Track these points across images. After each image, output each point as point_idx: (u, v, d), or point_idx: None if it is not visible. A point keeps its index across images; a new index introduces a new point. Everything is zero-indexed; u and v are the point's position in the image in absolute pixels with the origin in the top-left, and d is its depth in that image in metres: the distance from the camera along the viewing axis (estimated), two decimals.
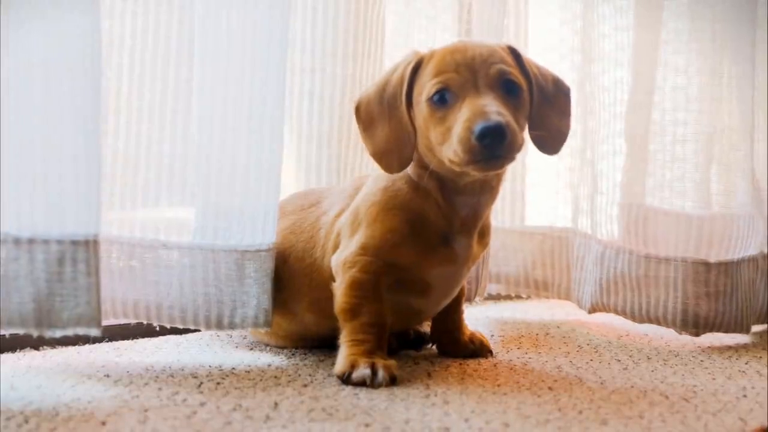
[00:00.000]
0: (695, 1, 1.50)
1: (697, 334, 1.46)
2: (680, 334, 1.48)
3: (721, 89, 1.51)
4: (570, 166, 1.66)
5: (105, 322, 1.31)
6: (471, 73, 1.09)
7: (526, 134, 1.14)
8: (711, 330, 1.46)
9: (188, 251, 1.20)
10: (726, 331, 1.47)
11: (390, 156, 1.14)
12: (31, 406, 0.97)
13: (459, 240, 1.17)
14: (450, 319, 1.29)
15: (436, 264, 1.16)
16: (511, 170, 1.67)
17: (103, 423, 0.91)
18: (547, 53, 1.69)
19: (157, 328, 1.27)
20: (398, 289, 1.17)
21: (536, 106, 1.15)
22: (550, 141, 1.17)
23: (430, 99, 1.10)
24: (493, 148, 1.03)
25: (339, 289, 1.16)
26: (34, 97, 1.02)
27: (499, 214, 1.67)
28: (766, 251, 1.56)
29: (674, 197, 1.52)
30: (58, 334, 1.03)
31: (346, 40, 1.43)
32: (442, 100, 1.09)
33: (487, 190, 1.17)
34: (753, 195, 1.53)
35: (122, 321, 1.28)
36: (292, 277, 1.23)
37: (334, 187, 1.35)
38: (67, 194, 1.03)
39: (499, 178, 1.18)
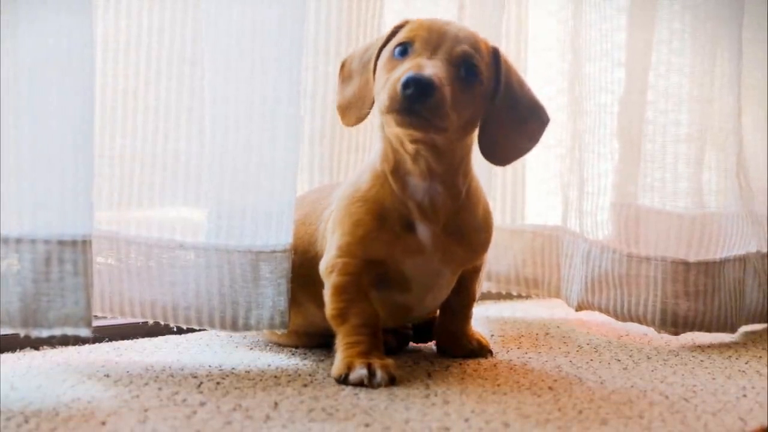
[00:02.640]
0: (687, 0, 1.50)
1: (676, 333, 1.47)
2: (659, 333, 1.48)
3: (712, 89, 1.51)
4: (561, 165, 1.66)
5: (107, 322, 1.32)
6: (438, 39, 1.10)
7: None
8: (691, 329, 1.46)
9: (204, 252, 1.20)
10: (708, 331, 1.47)
11: (350, 110, 1.18)
12: (31, 406, 0.97)
13: (420, 227, 1.16)
14: (454, 319, 1.29)
15: (406, 253, 1.16)
16: (501, 169, 1.67)
17: (103, 423, 0.91)
18: (545, 53, 1.69)
19: (175, 328, 1.27)
20: (381, 286, 1.18)
21: (498, 113, 1.15)
22: (501, 152, 1.18)
23: (393, 49, 1.12)
24: (412, 99, 1.03)
25: (326, 295, 1.16)
26: (21, 96, 1.02)
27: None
28: (764, 251, 1.56)
29: (660, 197, 1.52)
30: (45, 333, 1.03)
31: (338, 38, 1.43)
32: (403, 52, 1.11)
33: (437, 177, 1.15)
34: (741, 195, 1.53)
35: (133, 320, 1.29)
36: (299, 268, 1.24)
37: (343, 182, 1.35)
38: (55, 194, 1.03)
39: (448, 168, 1.15)
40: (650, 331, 1.53)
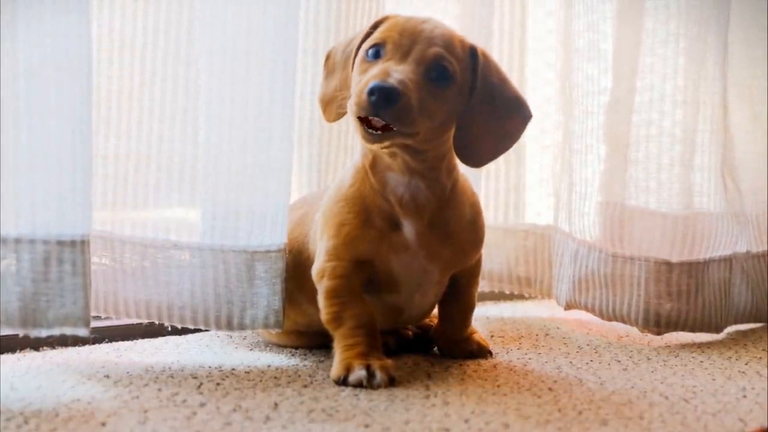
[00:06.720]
0: (677, 3, 1.50)
1: (659, 333, 1.47)
2: (642, 332, 1.49)
3: (697, 90, 1.51)
4: (554, 165, 1.66)
5: (107, 323, 1.32)
6: (410, 42, 1.10)
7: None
8: (674, 329, 1.47)
9: (198, 251, 1.20)
10: (692, 331, 1.48)
11: (331, 105, 1.18)
12: (31, 406, 0.97)
13: (405, 224, 1.16)
14: (454, 325, 1.28)
15: (392, 251, 1.15)
16: (494, 168, 1.66)
17: (103, 424, 0.91)
18: (546, 53, 1.69)
19: (170, 328, 1.27)
20: (371, 289, 1.18)
21: (474, 111, 1.14)
22: (475, 153, 1.16)
23: (366, 51, 1.12)
24: (377, 107, 1.04)
25: (320, 300, 1.16)
26: (19, 96, 1.02)
27: (484, 211, 1.65)
28: (753, 251, 1.57)
29: (645, 196, 1.52)
30: (44, 333, 1.04)
31: (327, 39, 1.43)
32: (376, 54, 1.11)
33: (417, 174, 1.15)
34: (726, 195, 1.54)
35: (132, 321, 1.29)
36: (295, 268, 1.24)
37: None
38: (54, 194, 1.04)
39: (429, 165, 1.15)
40: None
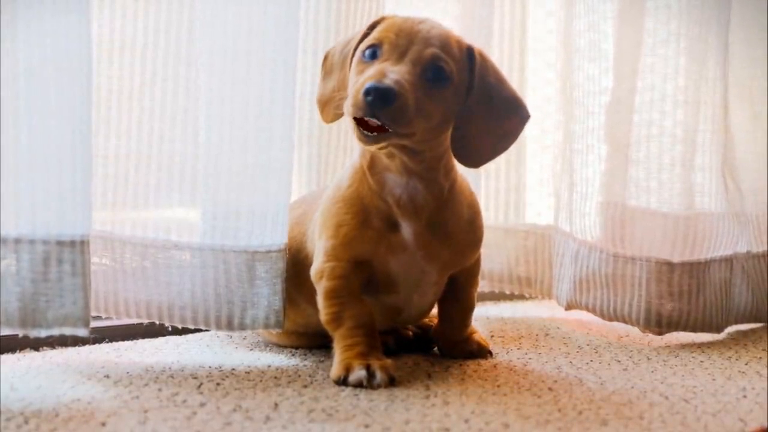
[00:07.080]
0: (678, 3, 1.50)
1: (660, 333, 1.48)
2: (643, 332, 1.49)
3: (698, 91, 1.51)
4: (554, 165, 1.66)
5: (107, 323, 1.32)
6: (407, 42, 1.10)
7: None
8: (675, 329, 1.47)
9: (199, 252, 1.20)
10: (693, 331, 1.48)
11: (329, 105, 1.18)
12: (31, 406, 0.97)
13: (403, 225, 1.16)
14: (453, 326, 1.28)
15: (390, 251, 1.15)
16: (494, 168, 1.66)
17: (103, 424, 0.91)
18: (546, 54, 1.69)
19: (170, 328, 1.27)
20: (369, 289, 1.18)
21: (472, 112, 1.14)
22: (473, 153, 1.16)
23: (363, 51, 1.12)
24: (373, 107, 1.03)
25: (319, 301, 1.16)
26: (20, 96, 1.02)
27: (484, 211, 1.64)
28: (753, 251, 1.57)
29: (646, 197, 1.52)
30: (44, 333, 1.04)
31: (327, 39, 1.43)
32: (373, 55, 1.11)
33: (415, 174, 1.15)
34: (727, 196, 1.54)
35: (132, 321, 1.29)
36: (294, 268, 1.24)
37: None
38: (54, 194, 1.04)
39: (427, 165, 1.15)
40: None
